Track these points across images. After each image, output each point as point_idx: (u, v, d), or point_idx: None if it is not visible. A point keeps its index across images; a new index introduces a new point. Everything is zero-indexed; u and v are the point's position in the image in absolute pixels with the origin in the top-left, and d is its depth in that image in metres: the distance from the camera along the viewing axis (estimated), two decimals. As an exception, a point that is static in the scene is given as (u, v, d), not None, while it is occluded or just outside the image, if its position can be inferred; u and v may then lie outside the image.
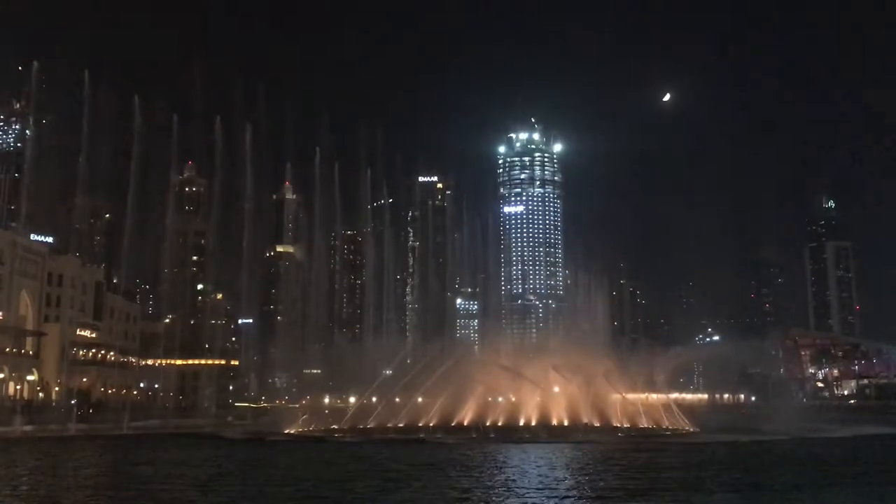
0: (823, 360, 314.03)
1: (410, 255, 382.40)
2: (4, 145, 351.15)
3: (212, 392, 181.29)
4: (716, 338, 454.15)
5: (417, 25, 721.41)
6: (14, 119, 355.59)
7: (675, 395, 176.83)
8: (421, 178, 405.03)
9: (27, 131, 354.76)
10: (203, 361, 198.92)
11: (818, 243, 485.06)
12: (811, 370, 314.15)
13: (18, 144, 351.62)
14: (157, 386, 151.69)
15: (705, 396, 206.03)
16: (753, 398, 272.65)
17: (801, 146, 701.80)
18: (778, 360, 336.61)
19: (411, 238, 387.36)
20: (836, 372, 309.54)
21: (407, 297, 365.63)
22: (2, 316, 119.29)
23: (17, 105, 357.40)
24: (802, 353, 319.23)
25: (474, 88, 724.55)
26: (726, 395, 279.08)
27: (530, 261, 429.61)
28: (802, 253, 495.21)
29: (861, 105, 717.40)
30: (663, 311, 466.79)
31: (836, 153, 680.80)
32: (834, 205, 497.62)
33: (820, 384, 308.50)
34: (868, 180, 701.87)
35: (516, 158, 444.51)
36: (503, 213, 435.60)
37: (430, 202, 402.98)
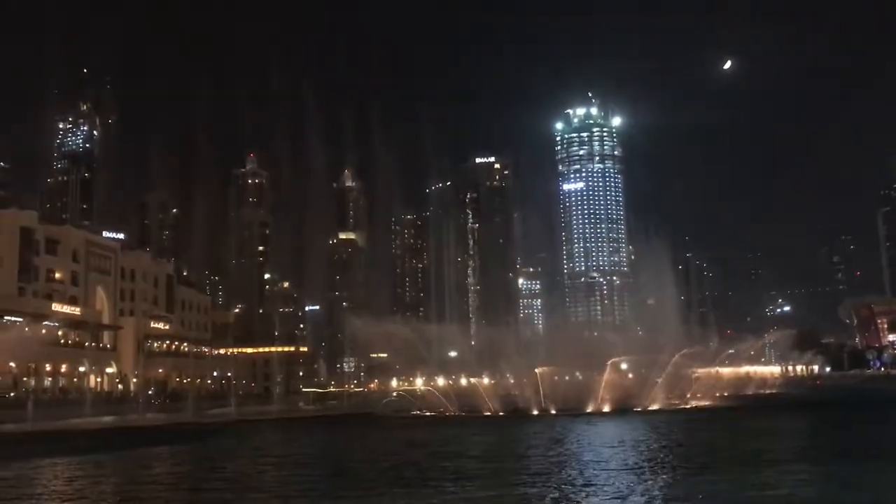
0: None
1: (471, 236, 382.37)
2: (74, 146, 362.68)
3: (282, 378, 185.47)
4: (787, 308, 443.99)
5: (472, 4, 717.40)
6: (82, 121, 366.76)
7: (746, 369, 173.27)
8: (478, 160, 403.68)
9: (94, 132, 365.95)
10: (272, 349, 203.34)
11: (892, 207, 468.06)
12: (889, 338, 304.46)
13: (87, 145, 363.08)
14: (229, 374, 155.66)
15: (777, 369, 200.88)
16: (828, 369, 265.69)
17: (873, 107, 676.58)
18: (853, 330, 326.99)
19: (471, 220, 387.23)
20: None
21: (469, 279, 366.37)
22: (80, 312, 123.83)
23: (85, 107, 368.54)
24: (879, 321, 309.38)
25: (529, 65, 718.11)
26: (799, 367, 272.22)
27: (592, 237, 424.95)
28: (875, 218, 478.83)
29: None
30: (731, 283, 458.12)
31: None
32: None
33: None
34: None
35: (574, 134, 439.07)
36: (563, 190, 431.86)
37: (489, 183, 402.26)
